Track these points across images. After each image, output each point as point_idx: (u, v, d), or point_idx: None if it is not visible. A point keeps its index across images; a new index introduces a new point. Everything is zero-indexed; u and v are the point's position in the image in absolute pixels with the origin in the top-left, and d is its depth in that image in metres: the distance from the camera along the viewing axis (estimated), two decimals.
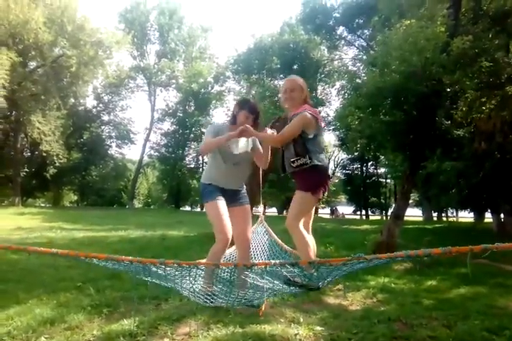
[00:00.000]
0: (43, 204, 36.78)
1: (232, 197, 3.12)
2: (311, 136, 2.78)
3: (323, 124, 3.05)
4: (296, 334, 3.78)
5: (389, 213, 30.82)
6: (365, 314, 4.48)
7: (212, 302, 2.70)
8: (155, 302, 4.70)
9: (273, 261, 2.75)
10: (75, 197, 40.50)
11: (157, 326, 3.92)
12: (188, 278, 2.43)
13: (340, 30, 23.88)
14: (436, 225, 18.85)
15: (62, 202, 37.48)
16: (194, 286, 2.62)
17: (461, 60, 8.83)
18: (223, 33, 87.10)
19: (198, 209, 39.27)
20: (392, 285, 6.17)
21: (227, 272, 2.80)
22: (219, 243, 2.91)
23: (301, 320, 4.19)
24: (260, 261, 3.18)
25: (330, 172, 3.08)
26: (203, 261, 2.99)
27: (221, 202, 2.98)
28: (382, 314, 4.44)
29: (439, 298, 5.40)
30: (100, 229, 13.46)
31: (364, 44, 22.98)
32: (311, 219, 3.03)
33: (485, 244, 1.73)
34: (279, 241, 3.74)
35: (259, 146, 3.19)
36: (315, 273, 2.56)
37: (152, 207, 42.28)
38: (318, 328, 3.95)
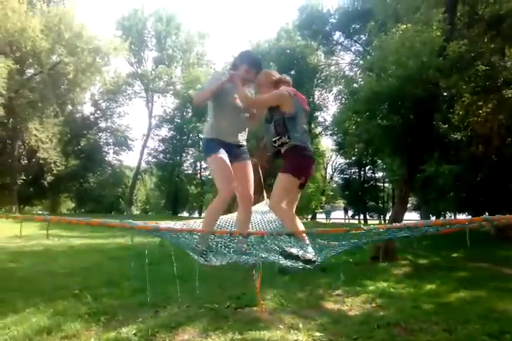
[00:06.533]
0: (40, 212, 36.56)
1: (234, 153, 3.06)
2: (289, 115, 2.82)
3: (306, 106, 3.03)
4: None
5: (387, 217, 30.81)
6: (365, 319, 4.45)
7: (206, 261, 2.76)
8: (153, 310, 4.66)
9: (269, 231, 2.78)
10: (73, 205, 40.28)
11: (155, 333, 3.88)
12: (184, 239, 2.66)
13: (337, 35, 23.95)
14: None
15: (60, 209, 37.24)
16: (190, 243, 2.73)
17: (457, 64, 8.87)
18: (221, 39, 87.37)
19: (196, 215, 39.12)
20: (392, 289, 6.15)
21: (223, 238, 2.82)
22: (221, 196, 2.87)
23: (301, 326, 4.16)
24: (257, 231, 3.20)
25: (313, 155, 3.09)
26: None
27: (224, 156, 2.93)
28: (382, 319, 4.42)
29: (439, 302, 5.37)
30: (98, 237, 13.40)
31: (360, 49, 23.02)
32: (296, 202, 3.01)
33: (485, 216, 1.75)
34: None
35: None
36: (311, 245, 2.59)
37: (150, 213, 42.09)
38: (318, 334, 3.92)
